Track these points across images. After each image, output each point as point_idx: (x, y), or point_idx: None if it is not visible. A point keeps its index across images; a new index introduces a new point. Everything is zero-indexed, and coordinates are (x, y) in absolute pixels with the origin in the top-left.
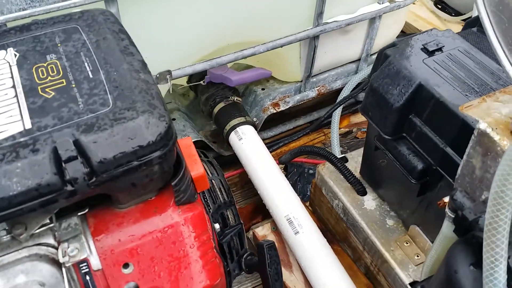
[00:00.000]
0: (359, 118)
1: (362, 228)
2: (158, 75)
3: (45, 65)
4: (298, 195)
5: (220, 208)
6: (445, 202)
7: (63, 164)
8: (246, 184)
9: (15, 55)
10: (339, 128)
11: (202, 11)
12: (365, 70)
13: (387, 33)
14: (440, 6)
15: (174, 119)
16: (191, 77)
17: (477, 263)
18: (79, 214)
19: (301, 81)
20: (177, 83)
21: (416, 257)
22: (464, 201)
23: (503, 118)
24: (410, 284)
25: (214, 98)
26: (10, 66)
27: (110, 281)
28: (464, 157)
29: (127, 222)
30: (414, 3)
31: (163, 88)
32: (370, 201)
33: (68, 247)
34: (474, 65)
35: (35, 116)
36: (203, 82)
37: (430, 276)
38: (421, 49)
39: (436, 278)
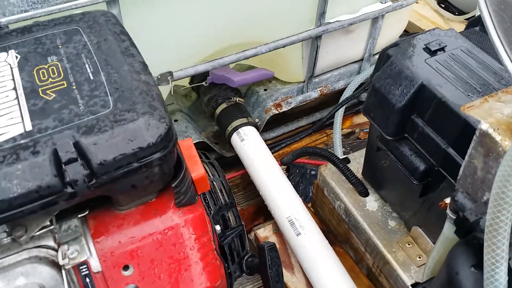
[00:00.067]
0: (362, 118)
1: (364, 229)
2: (159, 76)
3: (46, 67)
4: (300, 196)
5: (221, 210)
6: (446, 203)
7: (63, 166)
8: (248, 185)
9: (16, 57)
10: (342, 129)
11: (204, 12)
12: (368, 70)
13: (390, 33)
14: (443, 5)
15: (176, 120)
16: (193, 78)
17: (478, 264)
18: (79, 216)
19: (304, 81)
20: (179, 84)
21: (418, 259)
22: (465, 202)
23: (505, 118)
24: (412, 285)
25: (216, 99)
26: (11, 68)
27: (110, 283)
28: (466, 157)
29: (127, 224)
30: (417, 2)
31: (165, 89)
32: (372, 202)
33: (68, 249)
34: (477, 65)
35: (36, 118)
36: (205, 83)
37: (432, 278)
38: (423, 49)
39: (438, 279)
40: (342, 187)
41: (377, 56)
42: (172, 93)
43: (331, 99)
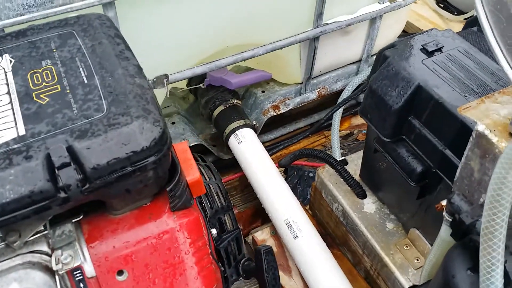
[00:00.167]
0: (360, 120)
1: (361, 232)
2: (155, 79)
3: (40, 71)
4: (298, 199)
5: (218, 213)
6: (442, 206)
7: (56, 171)
8: (246, 188)
9: (11, 61)
10: (340, 130)
11: (201, 14)
12: (366, 71)
13: (388, 33)
14: (442, 5)
15: (174, 123)
16: (191, 80)
17: (474, 267)
18: (73, 221)
19: (301, 83)
20: (177, 87)
21: (416, 261)
22: (462, 205)
23: (502, 119)
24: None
25: (213, 101)
26: (5, 72)
27: None
28: (463, 159)
29: (121, 229)
30: (415, 2)
31: (162, 92)
32: (369, 204)
33: (62, 255)
34: (474, 66)
35: (29, 122)
36: (203, 85)
37: (429, 280)
38: (421, 49)
39: (434, 282)
40: (339, 189)
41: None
42: (167, 96)
43: (329, 101)
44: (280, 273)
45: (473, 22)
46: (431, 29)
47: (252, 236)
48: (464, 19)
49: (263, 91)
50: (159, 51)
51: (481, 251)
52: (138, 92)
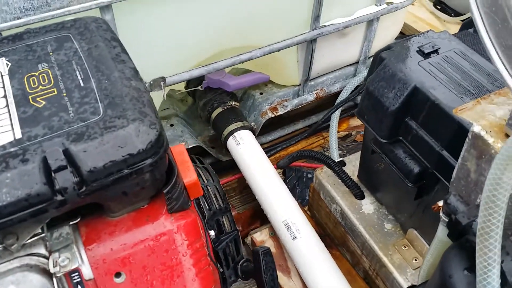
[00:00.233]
0: (358, 121)
1: (360, 232)
2: (152, 82)
3: (36, 74)
4: (297, 200)
5: (216, 215)
6: (439, 206)
7: (53, 174)
8: (244, 189)
9: (7, 65)
10: (338, 132)
11: (199, 17)
12: (364, 73)
13: (385, 35)
14: (439, 7)
15: (172, 125)
16: (189, 83)
17: (471, 267)
18: (70, 223)
19: (299, 84)
20: (175, 89)
21: (414, 261)
22: (458, 205)
23: (498, 120)
24: None
25: (212, 103)
26: (1, 75)
27: None
28: (459, 160)
29: (119, 231)
30: (413, 4)
31: (160, 95)
32: (368, 205)
33: (59, 257)
34: (470, 67)
35: (26, 125)
36: (201, 87)
37: (427, 281)
38: (417, 51)
39: (431, 282)
40: (338, 190)
41: None
42: (165, 99)
43: (327, 102)
44: (279, 273)
45: (469, 24)
46: (427, 31)
47: (251, 237)
48: (461, 20)
49: (261, 93)
50: (157, 53)
51: (477, 251)
52: (135, 95)
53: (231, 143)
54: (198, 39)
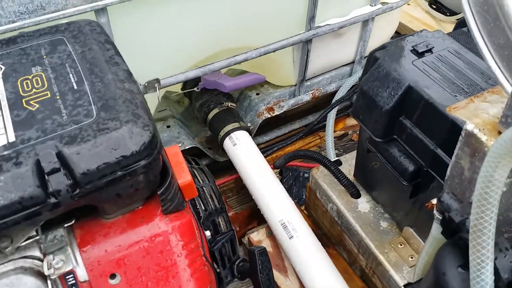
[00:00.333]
0: (355, 120)
1: (356, 231)
2: (146, 84)
3: (30, 77)
4: (294, 199)
5: (211, 215)
6: (433, 204)
7: (46, 177)
8: (241, 190)
9: (1, 68)
10: (335, 131)
11: (194, 18)
12: (359, 73)
13: (380, 35)
14: (434, 6)
15: (169, 126)
16: (185, 84)
17: (465, 265)
18: (65, 225)
19: (295, 85)
20: (171, 90)
21: (410, 259)
22: (451, 203)
23: (491, 118)
24: (404, 286)
25: (208, 104)
26: None
27: None
28: (453, 158)
29: (113, 233)
30: (408, 4)
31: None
32: (364, 203)
33: (54, 259)
34: (464, 66)
35: (19, 129)
36: (197, 88)
37: (422, 278)
38: (411, 50)
39: (426, 280)
40: (334, 189)
41: None
42: (159, 101)
43: (323, 102)
44: (276, 273)
45: (463, 23)
46: (421, 30)
47: (248, 237)
48: (457, 19)
49: (257, 94)
50: (153, 55)
51: (470, 249)
52: (128, 97)
53: (227, 143)
54: (194, 41)
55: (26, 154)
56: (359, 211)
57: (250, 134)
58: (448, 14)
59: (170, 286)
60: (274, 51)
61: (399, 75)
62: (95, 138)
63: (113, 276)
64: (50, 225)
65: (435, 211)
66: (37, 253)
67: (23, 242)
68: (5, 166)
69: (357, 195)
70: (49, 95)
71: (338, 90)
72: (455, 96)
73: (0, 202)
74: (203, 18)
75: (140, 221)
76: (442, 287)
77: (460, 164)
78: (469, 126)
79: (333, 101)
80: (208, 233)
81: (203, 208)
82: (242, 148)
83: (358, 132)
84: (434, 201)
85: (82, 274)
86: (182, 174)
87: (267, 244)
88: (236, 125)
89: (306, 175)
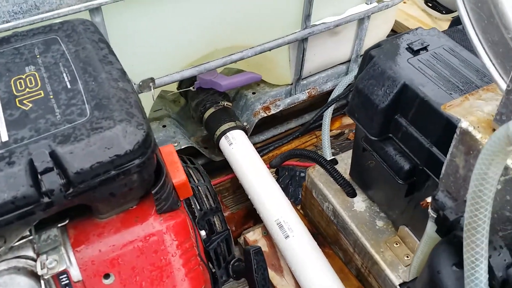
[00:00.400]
0: (351, 119)
1: (352, 230)
2: (141, 83)
3: (23, 77)
4: (290, 199)
5: (207, 215)
6: (427, 203)
7: (39, 176)
8: (238, 189)
9: None
10: (331, 130)
11: (190, 18)
12: (355, 71)
13: (376, 33)
14: (430, 4)
15: (164, 126)
16: (181, 83)
17: (460, 263)
18: (59, 225)
19: (292, 84)
20: (167, 90)
21: (406, 258)
22: (446, 201)
23: (486, 116)
24: (399, 285)
25: (204, 103)
26: None
27: None
28: (448, 156)
29: (107, 232)
30: (404, 2)
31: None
32: (360, 202)
33: (47, 259)
34: (459, 63)
35: (12, 128)
36: (193, 88)
37: (417, 277)
38: (406, 48)
39: (421, 278)
40: (330, 189)
41: None
42: (154, 100)
43: (319, 101)
44: (272, 273)
45: (458, 21)
46: (416, 28)
47: (244, 237)
48: (453, 17)
49: (253, 93)
50: (148, 54)
51: (465, 247)
52: (122, 96)
53: (223, 143)
54: (189, 40)
55: (19, 153)
56: (355, 210)
57: (246, 134)
58: (444, 12)
59: (165, 286)
60: (270, 50)
61: (394, 73)
62: (89, 137)
63: (107, 276)
64: (44, 225)
65: (429, 210)
66: (30, 253)
67: (17, 242)
68: None
69: (353, 194)
70: (42, 95)
71: (334, 89)
72: (450, 94)
73: None
74: (198, 17)
75: (134, 220)
76: (437, 285)
77: (455, 162)
78: (464, 124)
79: (329, 99)
80: (203, 232)
81: (198, 207)
82: (238, 148)
83: (354, 131)
84: (429, 199)
85: (75, 274)
86: (177, 173)
87: (263, 244)
88: (232, 124)
89: (302, 174)
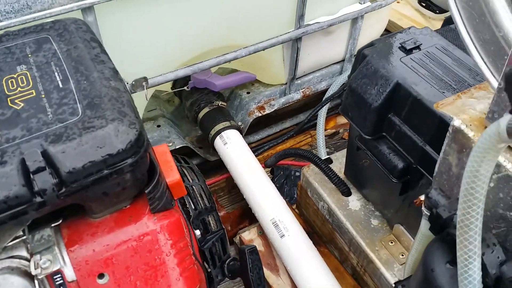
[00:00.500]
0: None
1: (347, 229)
2: (133, 82)
3: (15, 76)
4: (285, 198)
5: (201, 214)
6: (421, 201)
7: (32, 176)
8: (233, 189)
9: None
10: (326, 129)
11: (184, 17)
12: (350, 71)
13: (370, 33)
14: (424, 4)
15: (159, 126)
16: (175, 83)
17: (453, 260)
18: (52, 225)
19: (286, 83)
20: (161, 89)
21: (401, 256)
22: (439, 199)
23: (478, 114)
24: (394, 283)
25: (198, 103)
26: None
27: None
28: (441, 154)
29: (101, 232)
30: (398, 2)
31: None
32: (354, 201)
33: (41, 259)
34: (452, 62)
35: (4, 128)
36: (187, 87)
37: (412, 275)
38: (399, 47)
39: (415, 276)
40: (325, 188)
41: None
42: (147, 99)
43: (314, 101)
44: (268, 272)
45: (451, 20)
46: (409, 28)
47: (239, 237)
48: (446, 17)
49: (248, 92)
50: (141, 54)
51: (458, 244)
52: (114, 95)
53: (218, 142)
54: (183, 39)
55: (11, 153)
56: (350, 209)
57: (241, 133)
58: (437, 11)
59: (159, 285)
60: (263, 49)
61: (387, 72)
62: (81, 137)
63: (101, 275)
64: (37, 225)
65: (423, 208)
66: (24, 253)
67: (10, 242)
68: None
69: (347, 193)
70: (34, 94)
71: (328, 88)
72: (443, 92)
73: None
74: (192, 16)
75: (128, 220)
76: (431, 283)
77: (448, 160)
78: (456, 122)
79: (324, 99)
80: (198, 232)
81: (193, 207)
82: (233, 147)
83: (348, 130)
84: (422, 197)
85: (69, 274)
86: (170, 173)
87: (258, 243)
88: (226, 124)
89: (297, 173)
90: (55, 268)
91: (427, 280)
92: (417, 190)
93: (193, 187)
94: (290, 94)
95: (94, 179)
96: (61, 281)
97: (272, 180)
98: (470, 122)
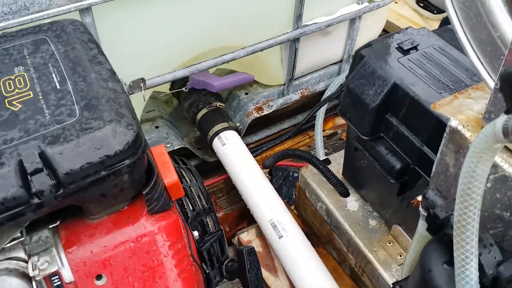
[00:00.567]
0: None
1: (345, 230)
2: (131, 83)
3: (12, 77)
4: (283, 199)
5: (199, 215)
6: (418, 201)
7: (29, 177)
8: (231, 190)
9: None
10: (324, 130)
11: (181, 18)
12: (348, 71)
13: (368, 33)
14: (422, 4)
15: (157, 127)
16: (173, 84)
17: (450, 261)
18: (50, 226)
19: (284, 84)
20: (160, 91)
21: (399, 257)
22: (436, 199)
23: (475, 114)
24: (392, 284)
25: (196, 104)
26: None
27: None
28: (438, 155)
29: (99, 233)
30: (396, 2)
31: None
32: (353, 202)
33: (38, 261)
34: (449, 62)
35: (1, 129)
36: (185, 88)
37: (409, 275)
38: (396, 48)
39: (413, 277)
40: (323, 188)
41: None
42: (145, 101)
43: (312, 101)
44: (266, 273)
45: (448, 20)
46: (406, 28)
47: (238, 238)
48: (444, 17)
49: (246, 93)
50: (139, 55)
51: (455, 245)
52: (111, 96)
53: (216, 143)
54: (181, 40)
55: (9, 154)
56: (348, 209)
57: (239, 134)
58: (435, 12)
59: (157, 287)
60: (261, 50)
61: (384, 73)
62: (78, 138)
63: (99, 277)
64: (35, 226)
65: (420, 208)
66: (21, 254)
67: (8, 243)
68: None
69: (346, 194)
70: (31, 95)
71: (326, 89)
72: (440, 93)
73: None
74: (190, 17)
75: (126, 221)
76: (428, 283)
77: (445, 161)
78: (453, 123)
79: (322, 99)
80: (196, 233)
81: (191, 208)
82: (231, 148)
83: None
84: (420, 198)
85: (67, 275)
86: (168, 174)
87: (257, 244)
88: (225, 125)
89: (295, 174)
90: (53, 270)
91: (425, 280)
92: (414, 190)
93: (191, 188)
94: (288, 95)
95: (92, 180)
96: (59, 283)
97: (271, 181)
98: (467, 123)
